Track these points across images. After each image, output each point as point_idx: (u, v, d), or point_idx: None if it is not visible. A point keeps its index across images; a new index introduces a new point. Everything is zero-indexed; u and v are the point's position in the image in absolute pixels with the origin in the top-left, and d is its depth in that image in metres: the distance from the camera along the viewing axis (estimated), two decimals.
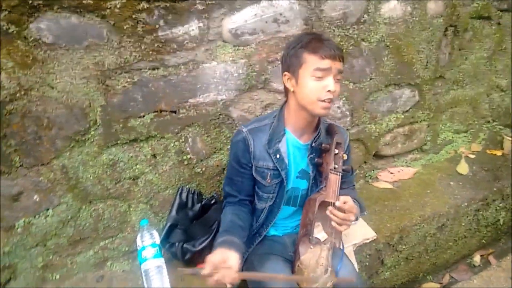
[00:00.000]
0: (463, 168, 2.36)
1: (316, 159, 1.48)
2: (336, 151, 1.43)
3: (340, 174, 1.43)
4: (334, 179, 1.41)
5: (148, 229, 1.68)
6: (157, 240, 1.65)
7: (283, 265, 1.45)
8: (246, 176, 1.51)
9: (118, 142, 1.62)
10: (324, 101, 1.31)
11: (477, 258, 2.29)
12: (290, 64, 1.37)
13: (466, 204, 2.09)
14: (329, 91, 1.30)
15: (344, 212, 1.35)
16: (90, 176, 1.60)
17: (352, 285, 1.43)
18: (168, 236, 1.67)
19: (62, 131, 1.50)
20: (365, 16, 1.97)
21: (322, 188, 1.47)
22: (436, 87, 2.37)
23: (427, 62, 2.24)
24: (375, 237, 1.83)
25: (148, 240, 1.63)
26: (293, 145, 1.49)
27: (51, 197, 1.56)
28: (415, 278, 2.17)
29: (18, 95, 1.40)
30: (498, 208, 2.25)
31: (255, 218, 1.57)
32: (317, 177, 1.52)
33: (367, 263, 1.86)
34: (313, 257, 1.41)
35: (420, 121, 2.37)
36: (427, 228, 1.99)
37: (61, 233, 1.60)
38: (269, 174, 1.46)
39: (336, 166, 1.43)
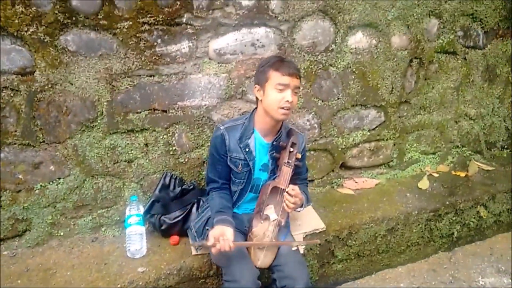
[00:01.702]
0: (424, 183, 2.63)
1: (274, 154, 1.86)
2: (291, 149, 1.81)
3: (292, 167, 1.80)
4: (286, 171, 1.79)
5: (136, 203, 2.09)
6: (141, 212, 2.05)
7: (238, 236, 1.81)
8: (224, 164, 1.89)
9: (118, 130, 2.06)
10: (283, 108, 1.71)
11: None
12: (259, 79, 1.79)
13: (416, 212, 2.37)
14: (287, 101, 1.69)
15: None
16: (94, 156, 2.05)
17: (291, 257, 1.78)
18: (150, 209, 2.07)
19: (76, 117, 1.97)
20: (333, 45, 2.36)
21: (276, 177, 1.85)
22: (402, 110, 2.69)
23: (392, 88, 2.58)
24: (324, 229, 2.15)
25: (134, 211, 2.03)
26: (259, 143, 1.87)
27: (63, 168, 2.02)
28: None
29: (46, 87, 1.89)
30: (451, 221, 2.49)
31: None
32: (275, 169, 1.90)
33: (317, 252, 2.17)
34: (261, 229, 1.80)
35: (386, 139, 2.69)
36: (376, 229, 2.28)
37: (68, 198, 2.05)
38: (240, 163, 1.85)
39: (290, 161, 1.80)
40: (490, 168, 2.88)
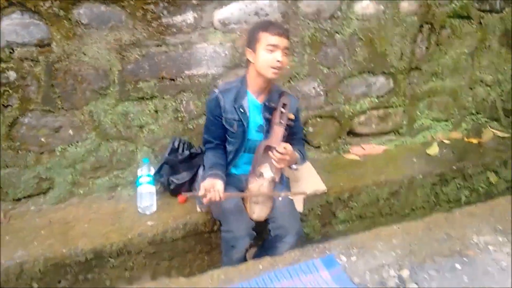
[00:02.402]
0: (433, 150, 2.64)
1: (267, 116, 1.96)
2: (283, 109, 1.91)
3: (284, 126, 1.90)
4: (278, 130, 1.89)
5: (148, 165, 2.26)
6: (152, 173, 2.22)
7: (235, 192, 1.94)
8: (219, 125, 2.00)
9: (130, 98, 2.22)
10: (274, 67, 1.80)
11: None
12: (250, 41, 1.88)
13: (421, 176, 2.40)
14: (278, 61, 1.79)
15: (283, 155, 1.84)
16: (109, 121, 2.22)
17: (284, 209, 1.91)
18: (160, 170, 2.24)
19: (91, 85, 2.14)
20: (338, 12, 2.38)
21: (269, 136, 1.94)
22: (412, 77, 2.69)
23: (402, 54, 2.58)
24: (325, 191, 2.24)
25: (146, 171, 2.20)
26: (252, 103, 1.97)
27: (81, 133, 2.21)
28: None
29: (62, 57, 2.05)
30: (459, 186, 2.50)
31: None
32: (269, 130, 1.99)
33: (319, 213, 2.26)
34: (256, 186, 1.93)
35: (395, 106, 2.70)
36: (378, 192, 2.34)
37: (86, 160, 2.25)
38: (235, 124, 1.95)
39: (282, 121, 1.90)
40: (506, 135, 2.82)
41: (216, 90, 1.99)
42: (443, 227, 1.89)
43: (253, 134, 2.00)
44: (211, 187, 1.78)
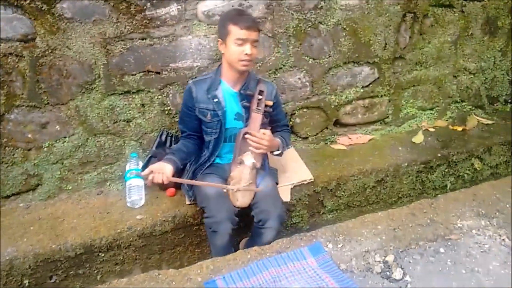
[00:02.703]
0: (418, 138, 2.68)
1: (245, 103, 1.99)
2: (260, 97, 1.93)
3: (261, 113, 1.93)
4: (255, 117, 1.93)
5: (136, 159, 2.27)
6: (140, 167, 2.22)
7: (217, 181, 1.99)
8: (192, 116, 2.03)
9: (116, 92, 2.21)
10: (243, 60, 1.83)
11: None
12: (221, 33, 1.90)
13: (406, 164, 2.44)
14: (246, 54, 1.81)
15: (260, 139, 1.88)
16: (95, 116, 2.22)
17: (266, 194, 1.93)
18: (148, 163, 2.23)
19: (76, 80, 2.13)
20: (322, 3, 2.39)
21: (247, 124, 1.98)
22: (397, 66, 2.71)
23: (386, 44, 2.60)
24: (312, 180, 2.27)
25: (134, 165, 2.22)
26: (228, 92, 1.99)
27: (68, 128, 2.20)
28: None
29: (46, 52, 2.04)
30: (444, 173, 2.55)
31: (206, 149, 2.09)
32: (249, 118, 2.01)
33: (307, 202, 2.29)
34: (238, 173, 1.96)
35: (381, 96, 2.74)
36: (365, 180, 2.38)
37: (74, 155, 2.25)
38: (209, 113, 1.97)
39: (259, 108, 1.93)
40: (489, 122, 2.88)
41: (190, 82, 2.03)
42: (428, 213, 1.94)
43: (232, 123, 2.03)
44: (159, 170, 1.81)
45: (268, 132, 1.90)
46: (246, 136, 1.91)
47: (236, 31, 1.80)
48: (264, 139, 1.88)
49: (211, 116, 1.98)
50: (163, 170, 1.81)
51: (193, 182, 1.95)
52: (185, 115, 2.05)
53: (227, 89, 1.99)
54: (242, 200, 1.92)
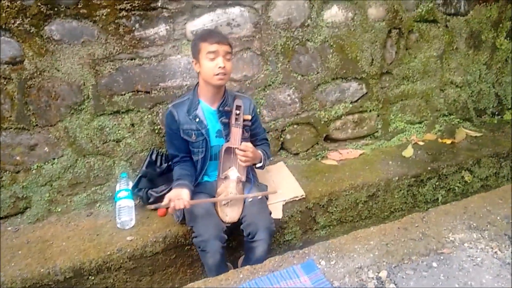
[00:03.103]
0: (408, 152, 2.70)
1: (224, 120, 2.00)
2: (237, 111, 1.96)
3: (240, 127, 1.96)
4: (235, 131, 1.96)
5: (126, 179, 2.25)
6: (130, 187, 2.20)
7: (206, 198, 1.99)
8: (179, 138, 2.04)
9: (105, 112, 2.21)
10: (218, 74, 1.85)
11: None
12: (193, 53, 1.95)
13: (397, 178, 2.45)
14: (220, 67, 1.84)
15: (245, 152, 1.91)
16: (84, 136, 2.21)
17: (253, 206, 1.94)
18: (138, 183, 2.23)
19: (65, 101, 2.12)
20: (309, 21, 2.43)
21: (228, 139, 2.00)
22: (384, 81, 2.75)
23: (373, 60, 2.64)
24: (303, 196, 2.26)
25: (124, 186, 2.20)
26: (207, 110, 2.01)
27: (57, 149, 2.19)
28: None
29: (35, 74, 2.04)
30: (435, 186, 2.56)
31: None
32: (229, 134, 2.02)
33: (299, 219, 2.28)
34: (224, 188, 1.98)
35: (369, 111, 2.76)
36: (356, 195, 2.38)
37: (63, 177, 2.22)
38: (193, 133, 1.99)
39: (238, 122, 1.96)
40: (478, 134, 2.91)
41: (170, 106, 2.06)
42: (419, 227, 1.94)
43: (214, 140, 2.06)
44: (176, 196, 1.82)
45: (249, 144, 1.94)
46: (233, 152, 1.94)
47: (206, 46, 1.85)
48: (248, 150, 1.91)
49: (196, 136, 2.00)
50: (181, 196, 1.82)
51: (209, 200, 1.96)
52: (173, 139, 2.06)
53: (206, 108, 2.02)
54: (231, 215, 1.93)
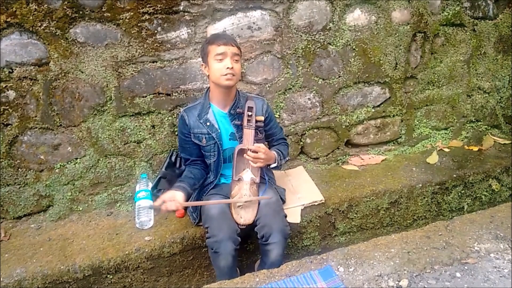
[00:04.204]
0: (432, 158, 2.62)
1: (236, 122, 2.00)
2: (249, 113, 1.96)
3: (252, 128, 1.95)
4: (247, 133, 1.96)
5: (146, 180, 2.27)
6: (150, 187, 2.22)
7: (221, 199, 1.98)
8: (190, 142, 2.05)
9: (127, 114, 2.24)
10: (226, 75, 1.86)
11: None
12: (202, 57, 1.97)
13: (420, 185, 2.37)
14: (228, 68, 1.85)
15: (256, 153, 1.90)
16: (106, 137, 2.24)
17: (268, 208, 1.92)
18: (157, 184, 2.25)
19: (88, 102, 2.17)
20: (330, 24, 2.41)
21: (241, 141, 1.99)
22: (408, 86, 2.69)
23: (396, 64, 2.59)
24: (323, 201, 2.22)
25: (143, 186, 2.22)
26: (219, 114, 2.02)
27: (79, 149, 2.23)
28: None
29: (60, 76, 2.09)
30: (460, 194, 2.47)
31: (210, 171, 2.11)
32: (242, 135, 2.02)
33: (318, 224, 2.24)
34: (237, 190, 1.97)
35: (393, 116, 2.70)
36: (378, 202, 2.32)
37: (85, 176, 2.26)
38: (204, 137, 2.00)
39: (250, 123, 1.95)
40: (506, 142, 2.80)
41: (182, 110, 2.07)
42: (443, 235, 1.87)
43: (228, 143, 2.05)
44: (170, 198, 1.84)
45: (262, 145, 1.93)
46: (245, 155, 1.93)
47: (214, 49, 1.87)
48: (259, 151, 1.89)
49: (206, 140, 2.01)
50: (175, 197, 1.83)
51: (204, 202, 1.96)
52: (184, 143, 2.07)
53: (218, 112, 2.02)
54: (245, 216, 1.91)
